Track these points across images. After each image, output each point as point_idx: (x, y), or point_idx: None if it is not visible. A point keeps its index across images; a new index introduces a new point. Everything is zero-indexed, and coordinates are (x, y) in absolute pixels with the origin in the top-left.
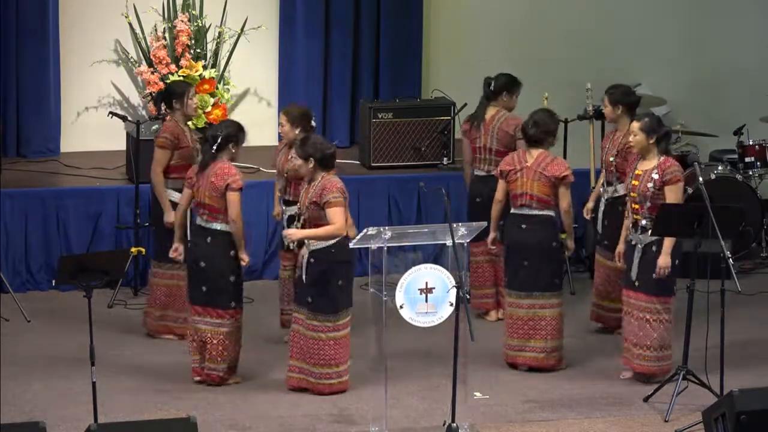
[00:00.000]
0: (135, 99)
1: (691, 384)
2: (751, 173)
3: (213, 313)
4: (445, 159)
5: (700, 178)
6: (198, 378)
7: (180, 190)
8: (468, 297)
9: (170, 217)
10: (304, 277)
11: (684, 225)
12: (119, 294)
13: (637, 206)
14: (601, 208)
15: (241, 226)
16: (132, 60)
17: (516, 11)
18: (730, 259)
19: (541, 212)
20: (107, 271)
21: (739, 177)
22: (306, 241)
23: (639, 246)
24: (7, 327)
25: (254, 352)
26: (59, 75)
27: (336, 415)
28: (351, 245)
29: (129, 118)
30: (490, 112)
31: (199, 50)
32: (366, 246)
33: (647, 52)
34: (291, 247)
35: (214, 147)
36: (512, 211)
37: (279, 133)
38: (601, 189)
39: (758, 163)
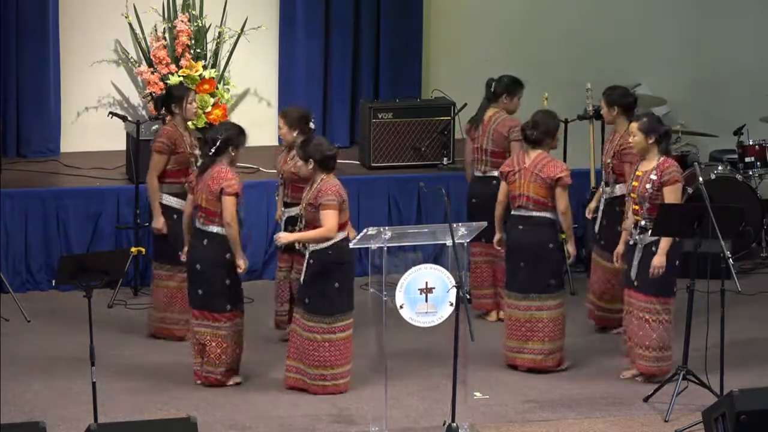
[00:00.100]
0: (135, 99)
1: (691, 384)
2: (751, 173)
3: (209, 316)
4: (445, 159)
5: (700, 178)
6: (199, 381)
7: (176, 195)
8: (469, 297)
9: (158, 223)
10: (302, 277)
11: (684, 225)
12: (119, 294)
13: (637, 207)
14: (601, 207)
15: (235, 230)
16: (132, 60)
17: (516, 11)
18: (730, 259)
19: (537, 214)
20: (107, 271)
21: (739, 177)
22: (302, 243)
23: (639, 246)
24: (7, 327)
25: (254, 352)
26: (59, 75)
27: (336, 415)
28: (351, 245)
29: (129, 118)
30: (489, 113)
31: (199, 50)
32: (366, 246)
33: (647, 52)
34: (279, 247)
35: (213, 150)
36: (511, 212)
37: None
38: (601, 189)
39: (758, 163)
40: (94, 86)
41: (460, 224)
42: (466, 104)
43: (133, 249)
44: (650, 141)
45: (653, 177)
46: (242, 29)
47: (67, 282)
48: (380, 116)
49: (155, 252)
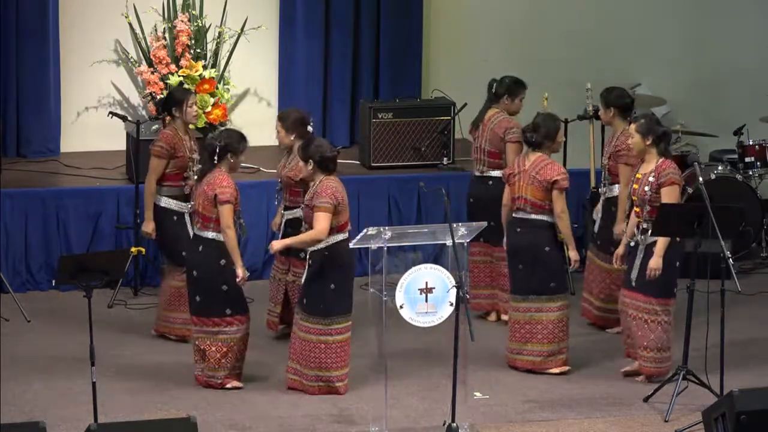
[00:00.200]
0: (135, 99)
1: (691, 384)
2: (751, 173)
3: (209, 322)
4: (445, 159)
5: (700, 178)
6: (200, 384)
7: (175, 197)
8: (468, 297)
9: (148, 227)
10: (303, 278)
11: (684, 225)
12: (119, 294)
13: (638, 209)
14: (599, 207)
15: (231, 237)
16: (132, 60)
17: (516, 11)
18: (730, 259)
19: (535, 217)
20: (107, 271)
21: (739, 177)
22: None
23: (641, 247)
24: (7, 327)
25: (254, 352)
26: (59, 75)
27: (336, 415)
28: (351, 245)
29: (129, 118)
30: (489, 113)
31: (199, 50)
32: (366, 246)
33: (647, 52)
34: (273, 254)
35: (212, 157)
36: (513, 214)
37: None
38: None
39: (758, 163)
40: (94, 86)
41: (460, 224)
42: (466, 104)
43: (133, 249)
44: (648, 142)
45: (651, 179)
46: (242, 29)
47: (67, 282)
48: (380, 116)
49: (166, 254)
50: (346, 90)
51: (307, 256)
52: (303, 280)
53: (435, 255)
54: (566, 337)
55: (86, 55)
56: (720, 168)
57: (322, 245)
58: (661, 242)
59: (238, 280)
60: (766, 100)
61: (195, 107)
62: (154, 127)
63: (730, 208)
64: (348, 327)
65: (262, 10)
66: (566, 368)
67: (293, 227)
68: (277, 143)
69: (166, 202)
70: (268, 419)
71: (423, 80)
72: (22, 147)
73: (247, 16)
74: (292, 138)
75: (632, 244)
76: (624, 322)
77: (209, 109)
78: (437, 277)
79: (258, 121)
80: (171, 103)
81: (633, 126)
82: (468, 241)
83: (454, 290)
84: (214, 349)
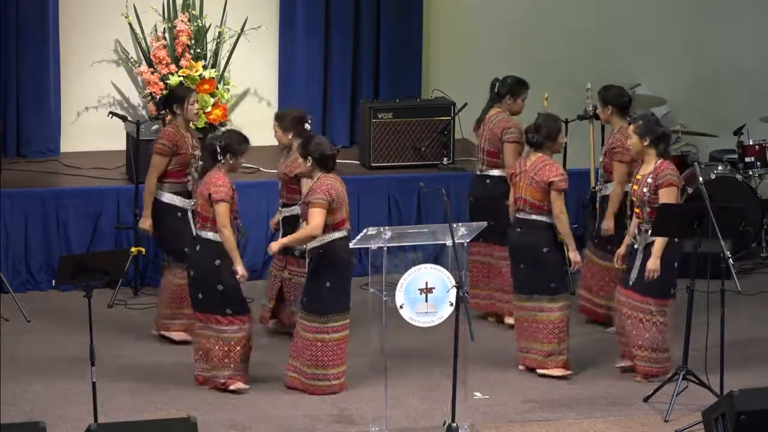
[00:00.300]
0: (135, 99)
1: (691, 384)
2: (751, 173)
3: (212, 319)
4: (445, 159)
5: (700, 178)
6: (200, 384)
7: (178, 194)
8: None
9: (145, 224)
10: (303, 277)
11: (684, 225)
12: (119, 294)
13: (638, 210)
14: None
15: (228, 237)
16: (132, 60)
17: (516, 11)
18: (730, 259)
19: (534, 217)
20: (107, 271)
21: (739, 177)
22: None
23: (640, 248)
24: (7, 327)
25: (254, 352)
26: (59, 75)
27: (336, 415)
28: (351, 245)
29: (129, 118)
30: (491, 113)
31: (199, 50)
32: (366, 246)
33: (647, 52)
34: (272, 255)
35: (213, 156)
36: (515, 214)
37: None
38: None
39: (758, 163)
40: (94, 86)
41: (460, 224)
42: (466, 104)
43: (133, 249)
44: (646, 143)
45: (650, 180)
46: (242, 29)
47: (67, 282)
48: (380, 116)
49: (167, 251)
50: (346, 90)
51: (307, 255)
52: (305, 279)
53: (435, 255)
54: (566, 337)
55: (86, 55)
56: (720, 168)
57: (317, 243)
58: (659, 243)
59: (238, 277)
60: (766, 100)
61: (196, 105)
62: (154, 127)
63: (730, 208)
64: (345, 325)
65: (262, 10)
66: (567, 372)
67: (290, 224)
68: (276, 143)
69: (169, 198)
70: (269, 419)
71: (423, 80)
72: (22, 147)
73: (247, 16)
74: (289, 137)
75: (636, 246)
76: (618, 320)
77: (209, 109)
78: (437, 277)
79: (258, 121)
80: (173, 100)
81: (631, 127)
82: (468, 241)
83: (454, 290)
84: (217, 348)
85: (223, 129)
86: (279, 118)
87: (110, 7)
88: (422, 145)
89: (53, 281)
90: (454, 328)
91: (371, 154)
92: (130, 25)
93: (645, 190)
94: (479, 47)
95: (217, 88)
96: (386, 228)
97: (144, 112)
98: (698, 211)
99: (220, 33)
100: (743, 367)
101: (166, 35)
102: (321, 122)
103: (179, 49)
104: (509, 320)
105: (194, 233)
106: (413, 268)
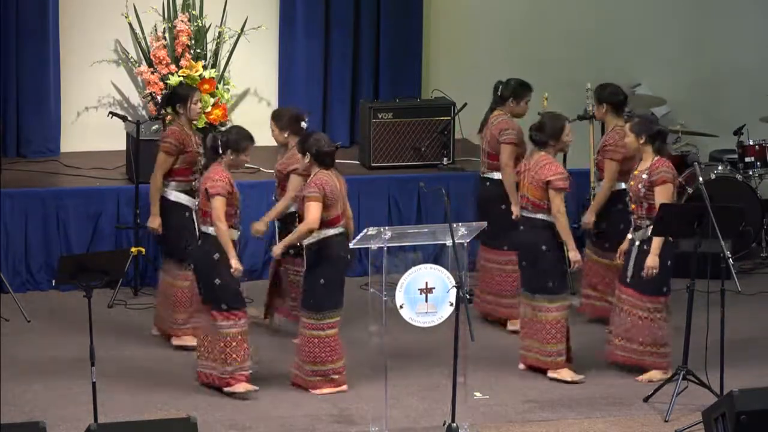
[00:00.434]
0: (135, 99)
1: (691, 384)
2: (751, 173)
3: (210, 314)
4: (445, 159)
5: (700, 178)
6: (200, 382)
7: (184, 192)
8: (468, 297)
9: (154, 222)
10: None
11: (684, 225)
12: (119, 294)
13: (634, 206)
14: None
15: (222, 230)
16: (132, 60)
17: (516, 11)
18: (730, 259)
19: (534, 216)
20: (107, 271)
21: (739, 177)
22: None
23: (635, 244)
24: (7, 327)
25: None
26: (59, 75)
27: (336, 415)
28: (351, 245)
29: (129, 118)
30: (493, 115)
31: (199, 50)
32: (366, 246)
33: (647, 52)
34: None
35: (214, 152)
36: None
37: None
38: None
39: (758, 163)
40: (94, 86)
41: (460, 224)
42: (466, 104)
43: (133, 249)
44: (641, 141)
45: (644, 177)
46: (242, 29)
47: (67, 282)
48: (380, 116)
49: (166, 253)
50: (346, 90)
51: (303, 252)
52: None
53: (435, 255)
54: (563, 339)
55: (86, 55)
56: (720, 168)
57: (312, 239)
58: (657, 240)
59: (232, 271)
60: (766, 100)
61: (200, 104)
62: (154, 127)
63: (730, 208)
64: (337, 322)
65: (262, 10)
66: (578, 377)
67: (283, 222)
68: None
69: (176, 196)
70: (269, 419)
71: (423, 80)
72: (22, 147)
73: (247, 16)
74: (285, 136)
75: (637, 242)
76: (617, 317)
77: (209, 109)
78: (437, 277)
79: (258, 121)
80: (175, 99)
81: (628, 125)
82: (468, 241)
83: (454, 290)
84: (215, 343)
85: (223, 129)
86: (275, 116)
87: (110, 7)
88: (422, 145)
89: (53, 281)
90: (454, 328)
91: (371, 154)
92: (130, 25)
93: (640, 186)
94: (479, 47)
95: (217, 88)
96: (386, 228)
97: (144, 112)
98: (698, 211)
99: (220, 33)
100: (743, 367)
101: (166, 35)
102: (321, 122)
103: (179, 49)
104: (511, 326)
105: (197, 232)
106: (413, 268)
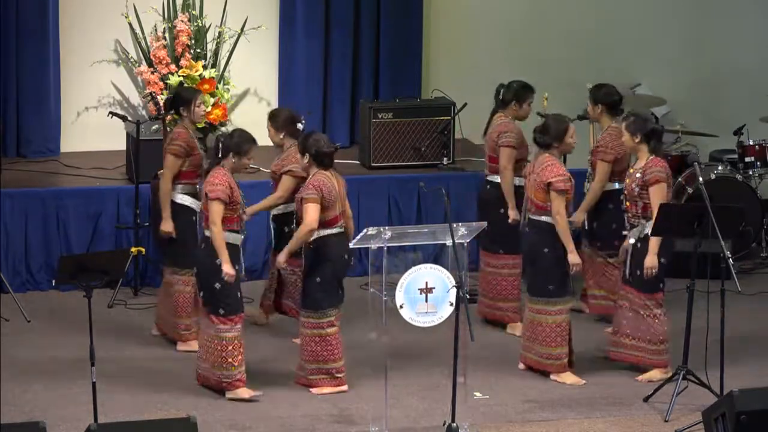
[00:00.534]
0: (135, 99)
1: (691, 384)
2: (751, 173)
3: (210, 317)
4: (445, 159)
5: (700, 178)
6: (200, 383)
7: (191, 195)
8: (470, 297)
9: (167, 226)
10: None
11: (684, 225)
12: (119, 294)
13: (629, 204)
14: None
15: (216, 234)
16: (132, 60)
17: (516, 11)
18: (730, 259)
19: (537, 217)
20: (107, 271)
21: (739, 177)
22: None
23: (630, 243)
24: (7, 327)
25: (254, 353)
26: (59, 75)
27: (336, 415)
28: (351, 245)
29: (129, 118)
30: (495, 118)
31: (199, 50)
32: (366, 246)
33: (647, 52)
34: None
35: (215, 155)
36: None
37: None
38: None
39: (758, 163)
40: (94, 86)
41: (460, 224)
42: (466, 104)
43: (133, 249)
44: (636, 140)
45: (639, 176)
46: (242, 29)
47: (67, 282)
48: (380, 116)
49: (168, 256)
50: (346, 90)
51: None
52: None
53: (435, 255)
54: (565, 342)
55: (86, 55)
56: (720, 168)
57: (310, 239)
58: (654, 240)
59: (223, 276)
60: (766, 100)
61: (203, 106)
62: (153, 127)
63: (730, 208)
64: (334, 320)
65: (262, 10)
66: (581, 381)
67: (278, 223)
68: None
69: (182, 198)
70: (269, 419)
71: (423, 80)
72: (22, 147)
73: (247, 16)
74: (281, 137)
75: (632, 240)
76: (621, 315)
77: (209, 109)
78: (437, 277)
79: (258, 121)
80: (179, 102)
81: (623, 124)
82: (468, 241)
83: (454, 290)
84: (213, 346)
85: (223, 129)
86: (272, 117)
87: (110, 7)
88: (422, 145)
89: (53, 281)
90: (454, 328)
91: (371, 154)
92: (130, 25)
93: (634, 185)
94: (479, 47)
95: (217, 88)
96: (386, 228)
97: (144, 112)
98: (698, 211)
99: (220, 33)
100: (743, 367)
101: (166, 35)
102: (321, 122)
103: (179, 49)
104: (510, 330)
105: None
106: (413, 268)
